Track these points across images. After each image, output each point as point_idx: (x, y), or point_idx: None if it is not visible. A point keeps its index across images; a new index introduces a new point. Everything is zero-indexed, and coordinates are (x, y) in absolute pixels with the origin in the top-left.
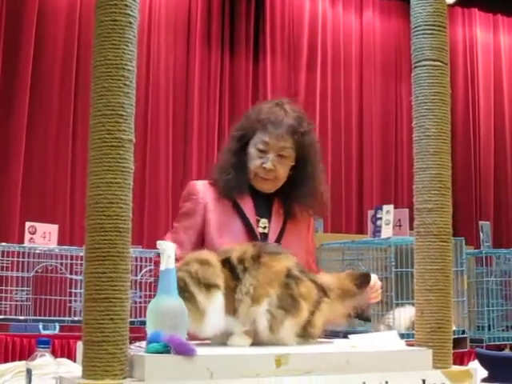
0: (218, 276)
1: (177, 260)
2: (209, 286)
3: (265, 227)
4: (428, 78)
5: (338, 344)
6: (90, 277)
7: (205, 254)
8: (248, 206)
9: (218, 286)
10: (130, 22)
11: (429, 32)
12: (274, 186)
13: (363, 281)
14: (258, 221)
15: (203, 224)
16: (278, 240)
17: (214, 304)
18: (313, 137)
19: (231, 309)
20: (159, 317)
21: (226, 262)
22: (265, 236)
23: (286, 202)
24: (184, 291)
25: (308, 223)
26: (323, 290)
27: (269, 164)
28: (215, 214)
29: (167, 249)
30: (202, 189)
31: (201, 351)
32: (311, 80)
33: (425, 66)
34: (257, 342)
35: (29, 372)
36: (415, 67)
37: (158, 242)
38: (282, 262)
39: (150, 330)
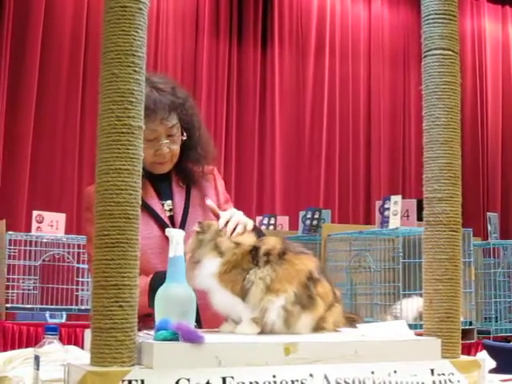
0: (230, 250)
1: None
2: (215, 248)
3: (170, 209)
4: (438, 67)
5: (347, 333)
6: (98, 263)
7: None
8: (152, 196)
9: (221, 252)
10: (140, 8)
11: (439, 21)
12: (172, 164)
13: None
14: (163, 205)
15: None
16: (185, 214)
17: (207, 260)
18: (191, 100)
19: (238, 290)
20: (167, 304)
21: (254, 250)
22: (172, 218)
23: (182, 171)
24: (203, 233)
25: (213, 180)
26: (335, 296)
27: (164, 149)
28: None
29: (175, 236)
30: None
31: (209, 339)
32: (319, 70)
33: (435, 55)
34: (267, 332)
35: (37, 359)
36: (425, 56)
37: (167, 230)
38: (305, 263)
39: (158, 317)
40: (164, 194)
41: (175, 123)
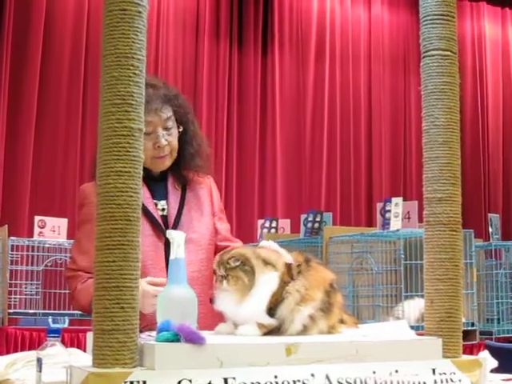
0: (280, 263)
1: (80, 270)
2: (266, 263)
3: (163, 209)
4: (437, 67)
5: (348, 333)
6: (100, 265)
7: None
8: (145, 195)
9: (275, 266)
10: (140, 12)
11: (438, 22)
12: (172, 159)
13: None
14: (157, 205)
15: None
16: (179, 215)
17: (265, 278)
18: (182, 96)
19: (274, 300)
20: (169, 305)
21: (288, 264)
22: (165, 218)
23: (178, 171)
24: (245, 265)
25: (209, 187)
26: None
27: (162, 141)
28: None
29: (177, 238)
30: (93, 190)
31: (211, 340)
32: (320, 73)
33: (434, 55)
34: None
35: (39, 361)
36: (424, 57)
37: (168, 232)
38: (327, 273)
39: (160, 318)
40: (158, 193)
41: (170, 115)
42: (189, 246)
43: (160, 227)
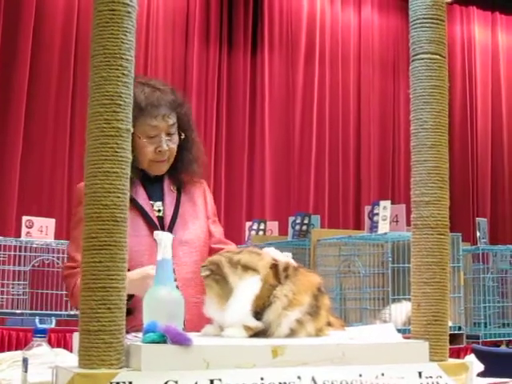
0: (262, 265)
1: (78, 267)
2: (246, 268)
3: (159, 210)
4: (426, 71)
5: (335, 336)
6: (86, 266)
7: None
8: (142, 196)
9: (256, 270)
10: (129, 12)
11: (427, 25)
12: (169, 165)
13: None
14: (153, 205)
15: None
16: (174, 217)
17: (246, 283)
18: (187, 103)
19: (260, 303)
20: (156, 307)
21: (274, 266)
22: (161, 219)
23: (174, 175)
24: (215, 274)
25: (203, 191)
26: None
27: (164, 146)
28: None
29: (164, 239)
30: None
31: (197, 341)
32: (309, 75)
33: (423, 59)
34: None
35: (25, 361)
36: (413, 60)
37: (155, 233)
38: (315, 277)
39: (146, 319)
40: (155, 195)
41: (174, 122)
42: (183, 248)
43: (156, 228)
